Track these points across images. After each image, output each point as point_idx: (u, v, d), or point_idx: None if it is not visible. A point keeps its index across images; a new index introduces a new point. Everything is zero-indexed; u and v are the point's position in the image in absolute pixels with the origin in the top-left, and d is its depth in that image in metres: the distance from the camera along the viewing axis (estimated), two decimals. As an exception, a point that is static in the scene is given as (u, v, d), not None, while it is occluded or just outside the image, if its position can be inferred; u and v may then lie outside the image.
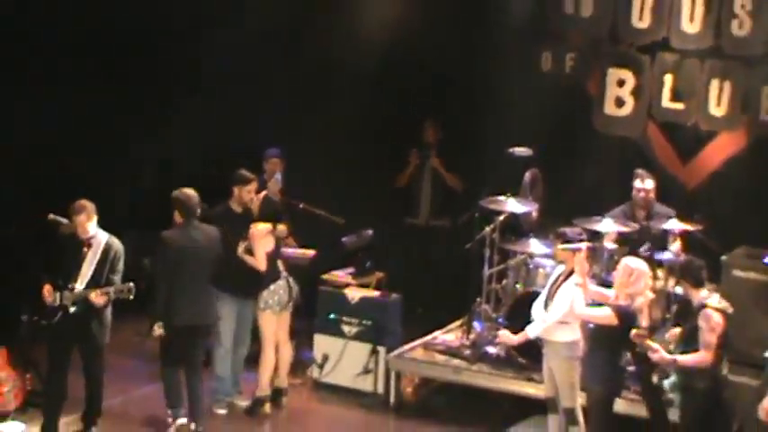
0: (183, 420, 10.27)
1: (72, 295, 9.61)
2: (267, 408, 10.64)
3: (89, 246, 9.70)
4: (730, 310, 8.96)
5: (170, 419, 10.30)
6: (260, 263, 10.42)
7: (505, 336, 9.95)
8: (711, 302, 8.78)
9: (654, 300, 9.82)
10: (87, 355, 9.86)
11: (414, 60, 12.47)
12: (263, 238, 10.51)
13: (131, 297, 9.76)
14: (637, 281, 9.17)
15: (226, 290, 10.45)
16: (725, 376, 9.00)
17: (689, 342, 9.04)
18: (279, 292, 10.51)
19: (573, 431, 9.68)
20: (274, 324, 10.56)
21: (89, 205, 9.68)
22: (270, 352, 10.58)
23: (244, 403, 10.51)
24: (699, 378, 8.88)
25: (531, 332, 9.57)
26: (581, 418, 9.58)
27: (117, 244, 9.84)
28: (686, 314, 9.94)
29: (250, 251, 10.50)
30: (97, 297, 9.67)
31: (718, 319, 8.81)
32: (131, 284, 9.75)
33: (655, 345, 8.79)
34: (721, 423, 8.91)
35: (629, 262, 9.40)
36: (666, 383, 9.62)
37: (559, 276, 9.60)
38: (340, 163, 12.70)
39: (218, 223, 10.60)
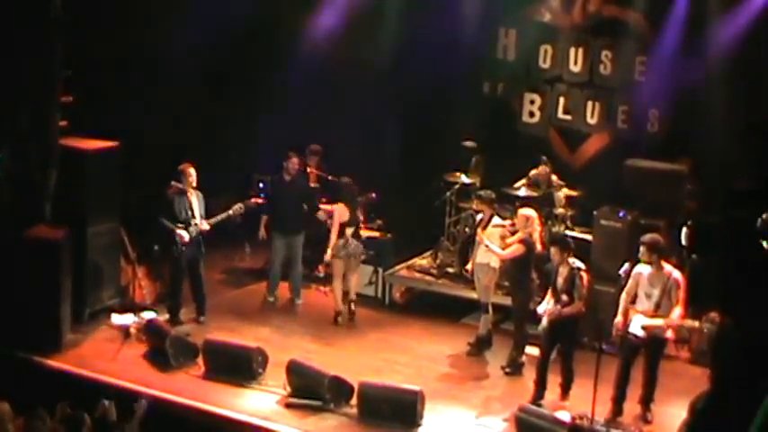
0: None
1: (196, 228, 11.85)
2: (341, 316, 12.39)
3: (191, 195, 11.94)
4: None
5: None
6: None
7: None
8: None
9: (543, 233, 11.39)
10: (193, 262, 12.05)
11: (415, 87, 14.22)
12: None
13: (242, 212, 11.95)
14: (531, 223, 10.92)
15: (276, 229, 12.52)
16: None
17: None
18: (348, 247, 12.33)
19: (484, 317, 11.48)
20: (341, 267, 12.33)
21: (191, 167, 11.92)
22: (337, 283, 12.45)
23: (299, 302, 12.74)
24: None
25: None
26: (490, 309, 11.38)
27: (199, 193, 11.94)
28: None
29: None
30: (210, 224, 11.85)
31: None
32: (241, 204, 12.02)
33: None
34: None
35: (524, 211, 11.00)
36: None
37: (482, 219, 11.50)
38: (360, 150, 14.19)
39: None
